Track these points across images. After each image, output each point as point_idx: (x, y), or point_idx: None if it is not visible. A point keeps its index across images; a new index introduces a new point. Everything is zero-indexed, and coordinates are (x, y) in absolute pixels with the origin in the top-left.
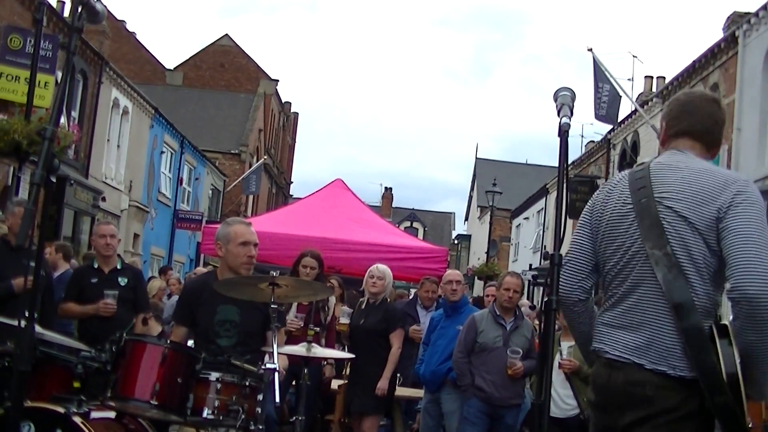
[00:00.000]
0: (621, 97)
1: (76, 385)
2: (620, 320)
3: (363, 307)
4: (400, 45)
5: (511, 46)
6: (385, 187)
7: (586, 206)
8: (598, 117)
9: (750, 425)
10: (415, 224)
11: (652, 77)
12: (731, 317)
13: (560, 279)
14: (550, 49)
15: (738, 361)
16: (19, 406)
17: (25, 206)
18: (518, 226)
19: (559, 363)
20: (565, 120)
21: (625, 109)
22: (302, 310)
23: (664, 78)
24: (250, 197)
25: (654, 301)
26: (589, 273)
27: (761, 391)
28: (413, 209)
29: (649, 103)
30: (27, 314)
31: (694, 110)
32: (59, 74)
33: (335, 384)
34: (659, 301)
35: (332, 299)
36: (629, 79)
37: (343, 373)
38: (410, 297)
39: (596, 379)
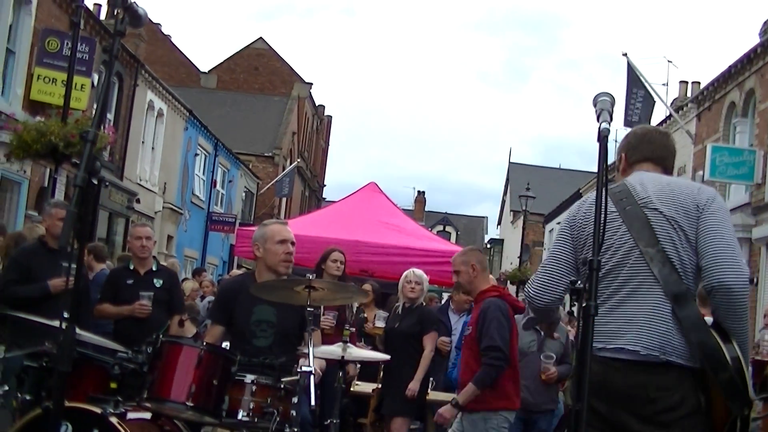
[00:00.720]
0: (654, 102)
1: (113, 385)
2: (611, 315)
3: (399, 311)
4: (435, 49)
5: (546, 51)
6: (418, 191)
7: (565, 221)
8: (627, 124)
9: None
10: (447, 228)
11: (687, 82)
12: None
13: (538, 287)
14: (585, 54)
15: (737, 345)
16: (60, 406)
17: (67, 208)
18: (551, 231)
19: None
20: (604, 125)
21: (660, 114)
22: (330, 309)
23: (699, 83)
24: (283, 200)
25: (649, 293)
26: (566, 284)
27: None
28: (446, 213)
29: (684, 109)
30: (68, 315)
31: (651, 140)
32: (95, 77)
33: (369, 388)
34: (654, 293)
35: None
36: (664, 84)
37: (378, 378)
38: (441, 302)
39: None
